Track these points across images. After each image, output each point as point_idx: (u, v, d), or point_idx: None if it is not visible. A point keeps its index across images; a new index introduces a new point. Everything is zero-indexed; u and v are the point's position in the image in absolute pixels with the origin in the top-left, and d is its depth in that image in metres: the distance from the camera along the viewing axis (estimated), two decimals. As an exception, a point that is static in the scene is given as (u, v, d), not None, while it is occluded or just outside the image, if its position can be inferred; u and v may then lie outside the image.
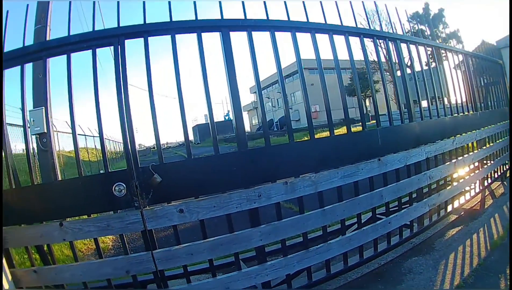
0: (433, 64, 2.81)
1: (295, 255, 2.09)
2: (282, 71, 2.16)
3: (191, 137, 2.35)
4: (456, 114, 3.03)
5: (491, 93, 3.77)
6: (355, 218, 2.41)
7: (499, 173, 3.71)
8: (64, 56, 1.90)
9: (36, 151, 2.82)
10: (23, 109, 1.96)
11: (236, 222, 2.01)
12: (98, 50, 1.92)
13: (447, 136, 2.83)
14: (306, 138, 2.19)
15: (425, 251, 2.70)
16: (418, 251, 2.71)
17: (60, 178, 2.49)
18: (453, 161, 2.89)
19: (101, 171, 2.31)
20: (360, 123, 2.36)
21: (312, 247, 2.13)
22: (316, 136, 2.20)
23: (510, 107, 2.88)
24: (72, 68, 1.92)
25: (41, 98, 2.71)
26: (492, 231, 2.88)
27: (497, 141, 3.65)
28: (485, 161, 3.41)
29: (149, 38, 1.93)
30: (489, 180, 3.52)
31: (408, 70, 2.60)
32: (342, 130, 2.27)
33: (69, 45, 1.89)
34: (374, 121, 2.41)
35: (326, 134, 2.23)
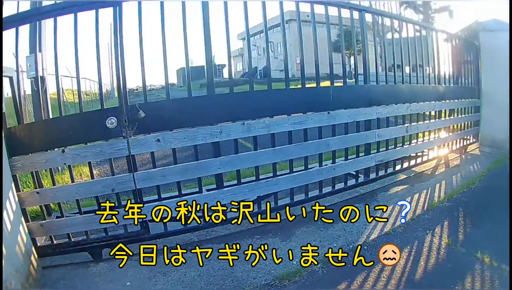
0: (397, 35, 3.10)
1: (248, 184, 2.58)
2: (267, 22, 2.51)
3: (175, 80, 2.76)
4: (415, 83, 3.34)
5: (463, 71, 4.00)
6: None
7: (458, 146, 4.05)
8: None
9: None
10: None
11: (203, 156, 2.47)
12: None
13: (402, 102, 3.18)
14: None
15: (367, 201, 3.13)
16: (361, 200, 3.14)
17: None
18: (406, 125, 3.25)
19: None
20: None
21: (263, 180, 2.62)
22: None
23: (510, 102, 3.11)
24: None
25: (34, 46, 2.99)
26: (434, 194, 3.20)
27: (460, 116, 3.96)
28: (443, 131, 3.75)
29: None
30: (447, 150, 3.87)
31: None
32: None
33: (76, 6, 2.25)
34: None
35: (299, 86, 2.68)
